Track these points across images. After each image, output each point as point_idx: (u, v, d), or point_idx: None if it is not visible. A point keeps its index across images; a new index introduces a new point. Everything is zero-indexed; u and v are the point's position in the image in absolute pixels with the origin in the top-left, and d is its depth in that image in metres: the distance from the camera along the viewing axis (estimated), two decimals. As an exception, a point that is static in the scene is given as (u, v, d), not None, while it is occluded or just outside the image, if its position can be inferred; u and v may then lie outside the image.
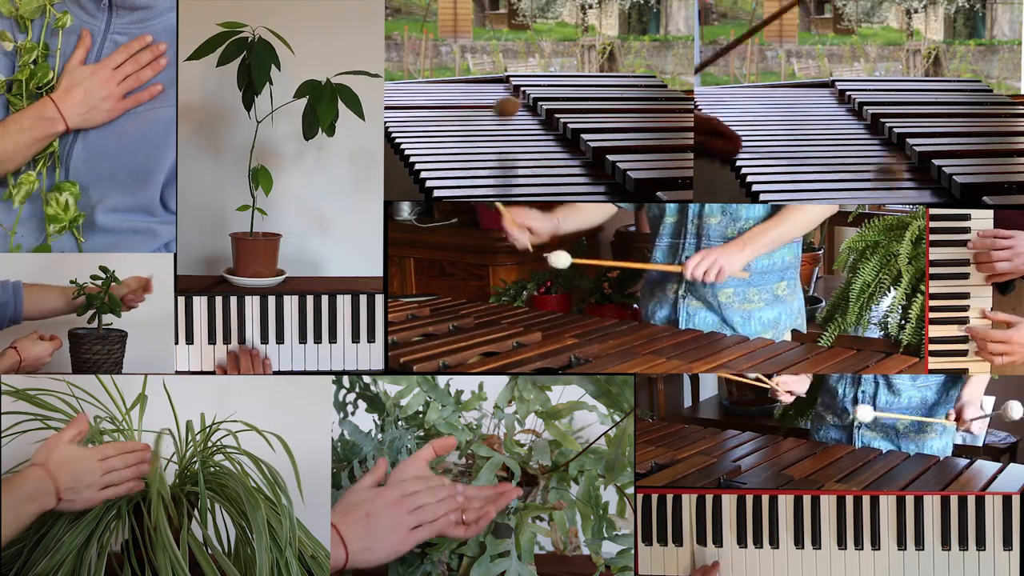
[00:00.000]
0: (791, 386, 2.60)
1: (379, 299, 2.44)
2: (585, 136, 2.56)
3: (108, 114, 2.36)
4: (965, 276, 2.39)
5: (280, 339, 2.44)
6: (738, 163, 2.50)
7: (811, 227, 2.66)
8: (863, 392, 2.61)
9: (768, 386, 2.55)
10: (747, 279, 2.65)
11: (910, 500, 2.29)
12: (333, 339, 2.44)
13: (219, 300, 2.44)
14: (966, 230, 2.38)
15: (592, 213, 2.71)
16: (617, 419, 2.27)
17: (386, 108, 2.50)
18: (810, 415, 2.77)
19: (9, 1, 2.32)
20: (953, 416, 2.50)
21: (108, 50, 2.36)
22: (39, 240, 2.36)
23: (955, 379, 2.53)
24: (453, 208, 3.21)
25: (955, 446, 2.62)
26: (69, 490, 1.92)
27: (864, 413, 2.49)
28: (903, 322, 2.51)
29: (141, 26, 2.37)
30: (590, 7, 2.68)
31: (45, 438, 2.01)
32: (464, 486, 2.01)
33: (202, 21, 2.40)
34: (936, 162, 2.47)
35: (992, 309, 2.39)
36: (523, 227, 2.57)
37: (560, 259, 2.55)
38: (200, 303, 2.43)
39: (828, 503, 2.30)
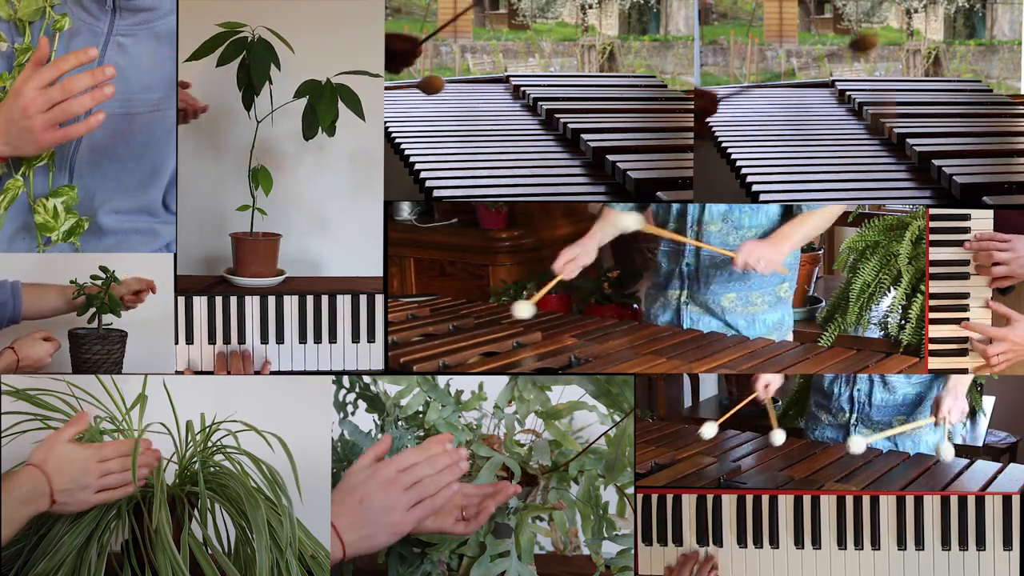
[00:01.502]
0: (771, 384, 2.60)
1: (379, 299, 2.44)
2: (585, 136, 2.56)
3: (37, 146, 2.14)
4: (965, 276, 2.39)
5: (280, 339, 2.44)
6: (738, 163, 2.50)
7: (828, 224, 2.66)
8: (858, 390, 2.61)
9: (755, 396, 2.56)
10: (786, 273, 2.68)
11: (910, 500, 2.29)
12: (333, 339, 2.44)
13: (219, 300, 2.44)
14: (966, 230, 2.38)
15: (619, 216, 2.67)
16: (617, 419, 2.27)
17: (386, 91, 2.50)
18: (807, 415, 2.77)
19: (8, 4, 2.32)
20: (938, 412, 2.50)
21: (111, 52, 2.35)
22: (33, 251, 2.32)
23: (948, 374, 2.54)
24: (453, 208, 3.21)
25: (955, 446, 2.62)
26: (64, 492, 1.89)
27: (856, 445, 2.45)
28: (903, 322, 2.51)
29: (145, 27, 2.36)
30: (590, 7, 2.68)
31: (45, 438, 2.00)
32: (463, 484, 2.00)
33: (202, 21, 2.40)
34: (936, 162, 2.47)
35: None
36: (576, 266, 2.60)
37: (521, 310, 2.55)
38: (200, 303, 2.43)
39: (828, 503, 2.30)
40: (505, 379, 2.29)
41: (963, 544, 2.28)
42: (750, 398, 2.55)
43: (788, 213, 2.64)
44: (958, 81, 2.74)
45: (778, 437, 2.48)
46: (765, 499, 2.31)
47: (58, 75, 2.11)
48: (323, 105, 2.39)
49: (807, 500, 2.31)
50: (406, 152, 2.51)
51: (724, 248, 2.63)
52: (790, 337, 2.73)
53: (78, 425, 1.97)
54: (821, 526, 2.30)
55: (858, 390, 2.61)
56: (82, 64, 2.13)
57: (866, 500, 2.29)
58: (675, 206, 2.69)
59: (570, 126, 2.62)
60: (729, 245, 2.65)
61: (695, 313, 2.73)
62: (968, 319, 2.38)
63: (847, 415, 2.63)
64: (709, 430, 2.48)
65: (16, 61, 2.30)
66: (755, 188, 2.44)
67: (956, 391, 2.48)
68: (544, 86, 2.74)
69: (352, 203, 2.55)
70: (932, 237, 2.39)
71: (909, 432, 2.58)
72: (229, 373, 2.40)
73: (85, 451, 1.93)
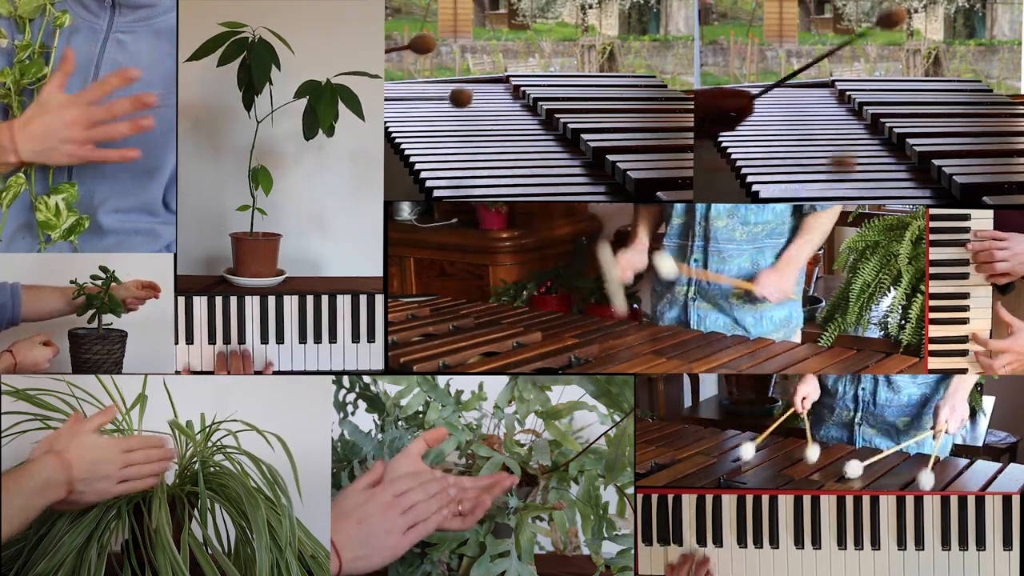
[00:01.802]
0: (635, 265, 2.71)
1: (379, 299, 2.44)
2: (585, 136, 2.56)
3: (69, 158, 2.21)
4: (965, 276, 2.39)
5: (280, 339, 2.44)
6: (738, 163, 2.50)
7: (830, 228, 2.70)
8: (863, 389, 2.61)
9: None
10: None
11: (910, 500, 2.29)
12: (333, 339, 2.44)
13: (219, 300, 2.44)
14: (966, 230, 2.38)
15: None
16: (617, 419, 2.27)
17: (386, 100, 2.50)
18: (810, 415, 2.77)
19: (8, 1, 2.32)
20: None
21: (110, 49, 2.35)
22: (34, 249, 2.33)
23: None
24: (453, 208, 3.21)
25: (955, 446, 2.62)
26: (83, 481, 1.87)
27: (853, 469, 2.42)
28: (903, 322, 2.51)
29: (145, 24, 2.36)
30: (590, 7, 2.68)
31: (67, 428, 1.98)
32: (457, 477, 1.99)
33: (202, 21, 2.40)
34: (936, 162, 2.47)
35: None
36: (630, 270, 2.71)
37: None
38: (200, 303, 2.43)
39: (828, 503, 2.30)
40: (505, 379, 2.29)
41: (963, 544, 2.28)
42: (788, 412, 2.55)
43: (797, 210, 2.65)
44: (958, 81, 2.74)
45: (813, 453, 2.43)
46: (765, 499, 2.31)
47: (102, 95, 2.19)
48: (323, 105, 2.39)
49: (807, 500, 2.31)
50: (406, 152, 2.51)
51: (730, 243, 2.65)
52: (798, 334, 2.73)
53: (104, 416, 1.97)
54: (821, 526, 2.30)
55: (863, 389, 2.61)
56: (123, 85, 2.20)
57: (866, 500, 2.29)
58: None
59: (570, 126, 2.62)
60: (736, 240, 2.66)
61: (703, 309, 2.72)
62: (968, 320, 2.38)
63: (851, 414, 2.63)
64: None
65: (16, 57, 2.31)
66: (755, 188, 2.44)
67: (955, 398, 2.48)
68: (544, 86, 2.74)
69: (352, 203, 2.56)
70: (932, 237, 2.39)
71: (919, 428, 2.58)
72: (229, 373, 2.40)
73: (110, 442, 1.92)
